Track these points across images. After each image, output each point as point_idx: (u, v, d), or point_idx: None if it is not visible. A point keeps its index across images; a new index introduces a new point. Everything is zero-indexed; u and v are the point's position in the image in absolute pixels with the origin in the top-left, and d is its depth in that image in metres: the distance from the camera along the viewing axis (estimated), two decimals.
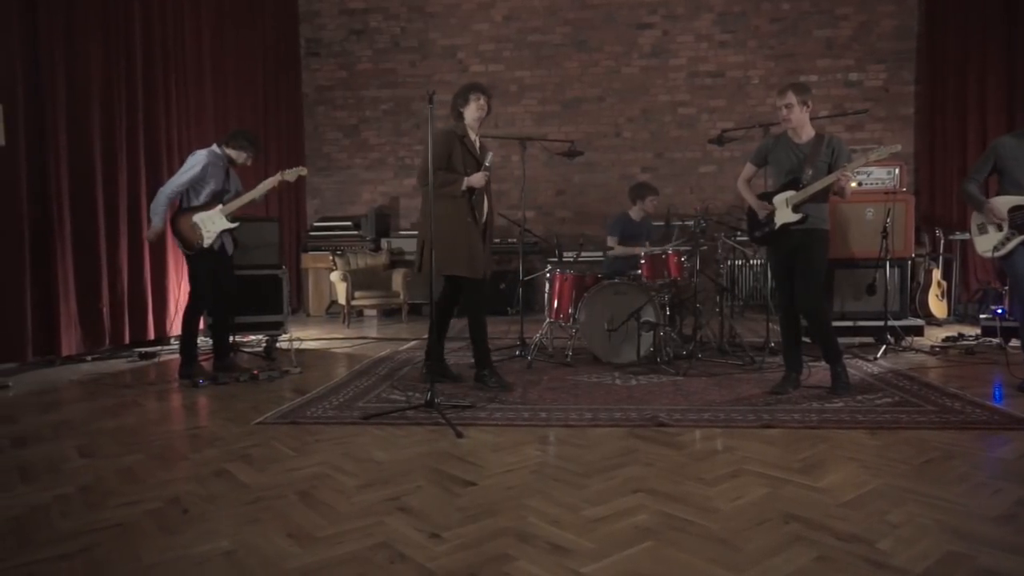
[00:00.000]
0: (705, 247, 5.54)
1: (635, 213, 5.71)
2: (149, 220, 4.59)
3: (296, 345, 5.76)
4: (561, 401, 3.83)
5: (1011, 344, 5.08)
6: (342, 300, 7.32)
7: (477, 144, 4.16)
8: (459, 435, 3.17)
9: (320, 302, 8.28)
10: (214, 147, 4.59)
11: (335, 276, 7.40)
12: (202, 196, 4.50)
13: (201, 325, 5.97)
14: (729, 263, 7.60)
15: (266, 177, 7.68)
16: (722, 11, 8.43)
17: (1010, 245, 3.82)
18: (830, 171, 3.77)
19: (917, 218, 8.01)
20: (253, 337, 6.03)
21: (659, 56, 8.50)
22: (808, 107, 3.85)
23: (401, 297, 7.54)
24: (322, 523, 2.22)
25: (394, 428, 3.34)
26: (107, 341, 5.27)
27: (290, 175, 4.80)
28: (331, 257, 7.63)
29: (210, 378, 4.40)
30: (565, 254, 7.64)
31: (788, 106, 3.83)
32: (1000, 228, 3.85)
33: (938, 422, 3.30)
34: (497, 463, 2.80)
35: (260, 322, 5.69)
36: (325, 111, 8.88)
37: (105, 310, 5.23)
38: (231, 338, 5.02)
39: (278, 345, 5.77)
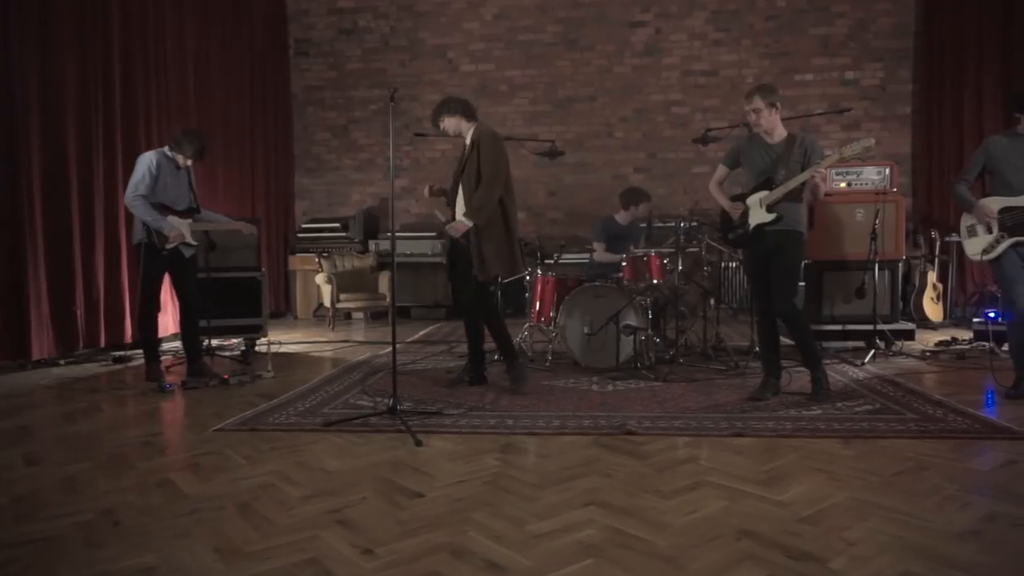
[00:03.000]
0: (696, 249, 5.45)
1: (622, 217, 5.59)
2: (152, 229, 4.35)
3: (275, 349, 5.68)
4: (532, 407, 3.72)
5: (1003, 348, 4.94)
6: (327, 303, 7.24)
7: (464, 146, 4.16)
8: (418, 443, 3.07)
9: (308, 305, 8.21)
10: (164, 149, 4.48)
11: (320, 278, 7.33)
12: (167, 199, 4.42)
13: (175, 328, 5.97)
14: (723, 265, 7.53)
15: (253, 184, 7.76)
16: (716, 9, 8.31)
17: (1000, 248, 3.69)
18: (804, 171, 3.65)
19: (915, 220, 7.92)
20: (235, 340, 5.96)
21: (652, 55, 8.39)
22: (777, 108, 3.74)
23: (388, 299, 7.45)
24: (254, 537, 2.13)
25: (354, 436, 3.25)
26: (81, 344, 5.20)
27: (248, 228, 5.04)
28: (317, 259, 7.55)
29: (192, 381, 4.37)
30: (554, 255, 7.58)
31: (756, 111, 3.72)
32: (990, 230, 3.73)
33: (916, 431, 3.18)
34: (451, 473, 2.70)
35: (238, 325, 5.60)
36: (314, 111, 8.81)
37: (79, 312, 5.16)
38: (204, 342, 4.95)
39: (257, 349, 5.70)
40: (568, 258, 7.21)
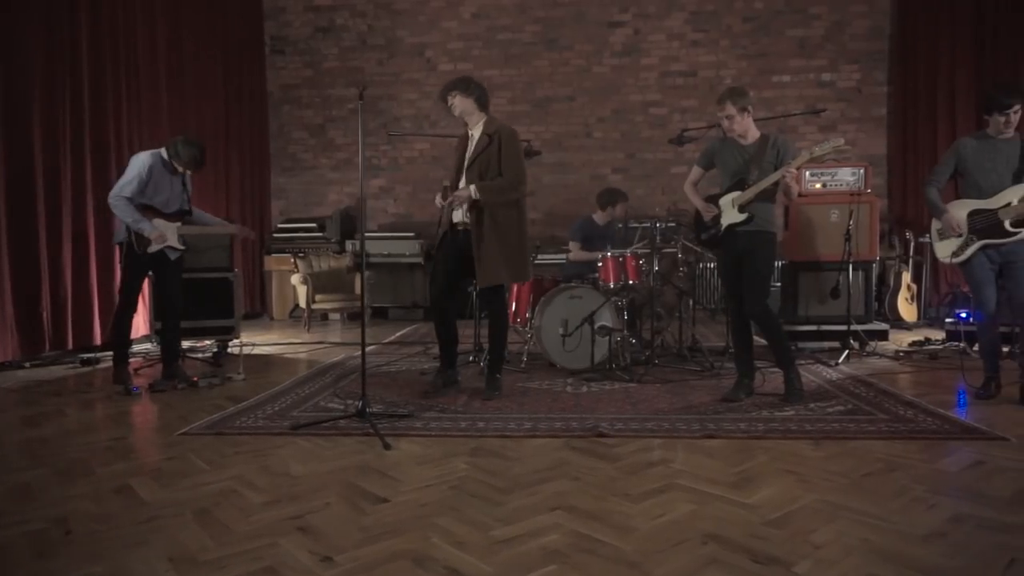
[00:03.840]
0: (673, 249, 5.44)
1: (600, 218, 5.58)
2: (133, 231, 4.26)
3: (248, 350, 5.60)
4: (505, 409, 3.69)
5: (975, 349, 4.98)
6: (303, 304, 7.16)
7: (474, 140, 3.93)
8: (387, 447, 3.03)
9: (284, 306, 8.11)
10: (161, 151, 4.39)
11: (295, 279, 7.25)
12: (158, 202, 4.34)
13: (146, 330, 5.87)
14: (700, 266, 7.53)
15: (227, 183, 7.65)
16: (694, 10, 8.32)
17: (969, 251, 3.71)
18: (776, 171, 3.65)
19: (890, 220, 7.98)
20: (208, 342, 5.86)
21: (630, 55, 8.38)
22: (749, 112, 3.74)
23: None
24: (210, 545, 2.08)
25: (322, 439, 3.19)
26: (47, 346, 5.09)
27: (245, 232, 5.09)
28: (292, 260, 7.47)
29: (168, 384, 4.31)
30: (538, 256, 7.55)
31: (729, 117, 3.72)
32: (960, 233, 3.74)
33: (887, 432, 3.18)
34: (418, 477, 2.66)
35: (210, 327, 5.51)
36: (290, 110, 8.71)
37: (45, 314, 5.05)
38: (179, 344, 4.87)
39: (229, 351, 5.61)
40: (546, 258, 7.20)
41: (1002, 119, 3.55)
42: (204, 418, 3.56)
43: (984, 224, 3.62)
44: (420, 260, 7.88)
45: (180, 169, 4.39)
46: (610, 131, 8.43)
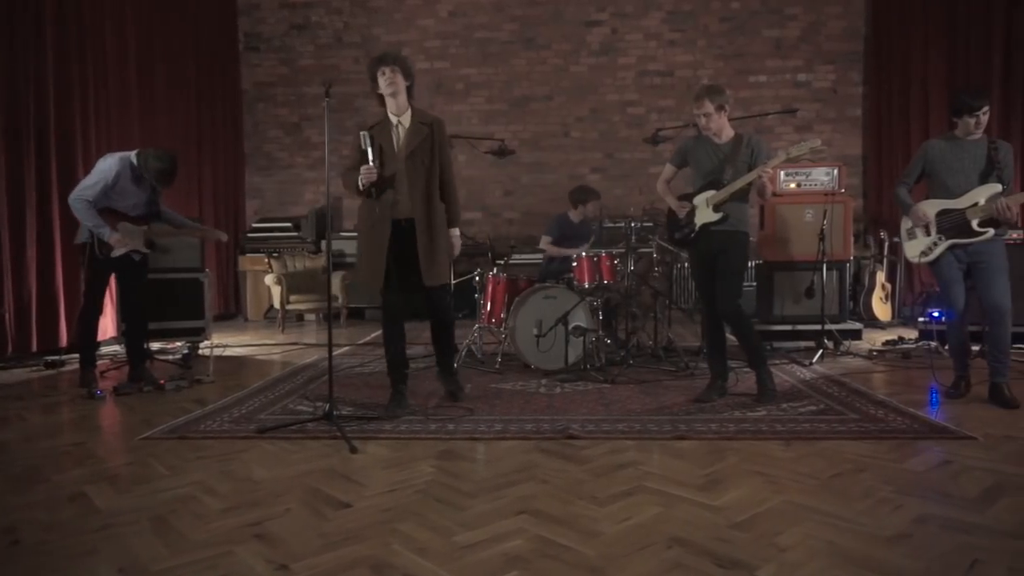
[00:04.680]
0: (650, 249, 5.43)
1: (574, 216, 5.55)
2: (94, 234, 4.16)
3: (219, 352, 5.51)
4: (476, 411, 3.64)
5: (947, 348, 5.00)
6: (277, 304, 7.07)
7: (404, 127, 3.57)
8: (353, 450, 2.97)
9: (259, 306, 8.01)
10: (131, 156, 4.26)
11: (270, 279, 7.15)
12: (123, 207, 4.24)
13: (115, 332, 5.76)
14: (677, 266, 7.53)
15: (200, 183, 7.53)
16: (671, 9, 8.33)
17: (937, 251, 3.72)
18: (751, 171, 3.64)
19: (866, 220, 8.03)
20: (179, 343, 5.76)
21: (608, 54, 8.37)
22: (725, 110, 3.72)
23: (340, 301, 7.31)
24: (163, 554, 2.02)
25: (288, 443, 3.13)
26: (10, 349, 4.97)
27: (215, 235, 4.88)
28: (267, 259, 7.37)
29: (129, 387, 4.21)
30: (513, 256, 7.52)
31: (706, 115, 3.70)
32: (928, 233, 3.76)
33: (857, 432, 3.18)
34: (383, 481, 2.61)
35: (180, 328, 5.41)
36: (265, 108, 8.61)
37: (8, 316, 4.93)
38: (146, 346, 4.78)
39: (200, 352, 5.52)
40: (523, 258, 7.17)
41: (972, 121, 3.57)
42: (168, 422, 3.48)
43: (952, 224, 3.63)
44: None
45: (148, 178, 4.28)
46: (588, 131, 8.42)
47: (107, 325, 5.72)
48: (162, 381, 4.31)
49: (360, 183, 3.49)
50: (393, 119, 3.60)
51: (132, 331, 4.45)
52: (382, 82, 3.52)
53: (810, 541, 2.05)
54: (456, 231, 3.78)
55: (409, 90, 3.61)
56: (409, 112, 3.62)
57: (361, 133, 3.51)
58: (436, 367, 4.00)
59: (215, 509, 2.36)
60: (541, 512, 2.29)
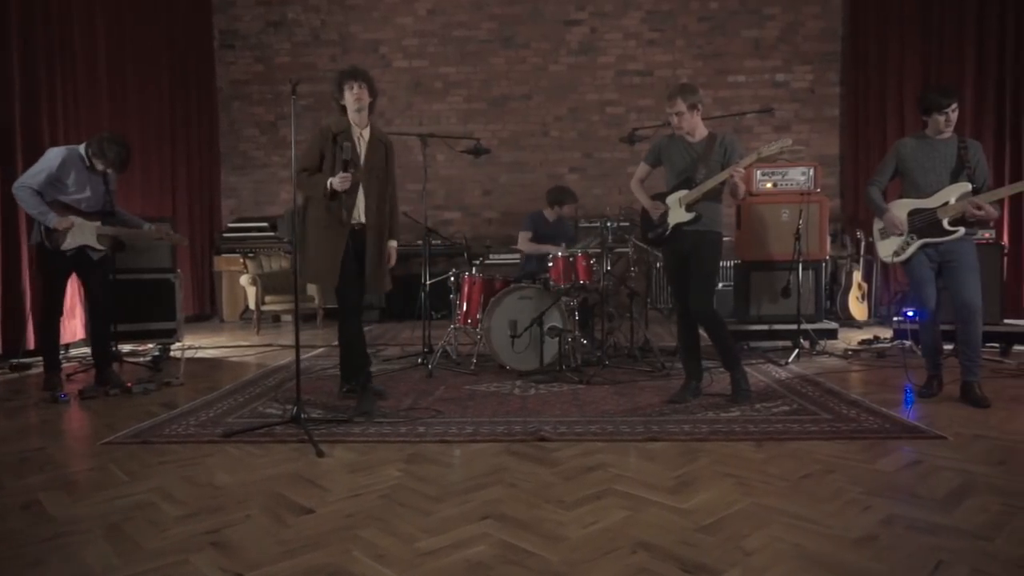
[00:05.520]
0: (627, 249, 5.40)
1: (550, 215, 5.53)
2: (41, 225, 4.09)
3: (191, 354, 5.43)
4: (449, 413, 3.60)
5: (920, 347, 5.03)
6: (252, 305, 6.97)
7: (364, 140, 3.76)
8: (320, 454, 2.92)
9: (235, 307, 7.91)
10: (80, 148, 4.19)
11: (244, 279, 7.06)
12: (73, 200, 4.15)
13: (83, 334, 5.65)
14: (657, 266, 7.52)
15: (174, 182, 7.42)
16: (651, 9, 8.32)
17: (909, 250, 3.72)
18: (724, 170, 3.62)
19: (843, 220, 8.08)
20: (151, 345, 5.67)
21: (587, 53, 8.36)
22: (699, 109, 3.71)
23: (316, 302, 7.23)
24: (115, 564, 1.96)
25: (254, 447, 3.07)
26: None
27: (176, 239, 4.80)
28: (242, 260, 7.28)
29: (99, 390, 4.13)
30: (491, 256, 7.48)
31: (679, 114, 3.68)
32: (901, 233, 3.76)
33: (829, 432, 3.17)
34: (348, 486, 2.56)
35: (150, 330, 5.32)
36: (241, 106, 8.51)
37: None
38: (113, 348, 4.69)
39: (171, 354, 5.43)
40: (499, 258, 7.14)
41: (942, 118, 3.58)
42: (132, 426, 3.41)
43: (923, 223, 3.64)
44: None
45: (101, 168, 4.20)
46: (567, 130, 8.40)
47: (76, 327, 5.62)
48: (129, 384, 4.22)
49: (333, 186, 3.59)
50: (356, 130, 3.73)
51: (96, 333, 4.36)
52: (350, 96, 3.65)
53: (777, 544, 2.03)
54: (394, 243, 3.96)
55: (371, 105, 3.75)
56: (369, 128, 3.79)
57: (347, 145, 3.61)
58: (352, 381, 3.93)
59: (172, 516, 2.30)
60: (506, 516, 2.26)
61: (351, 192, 3.67)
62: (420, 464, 2.81)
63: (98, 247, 4.24)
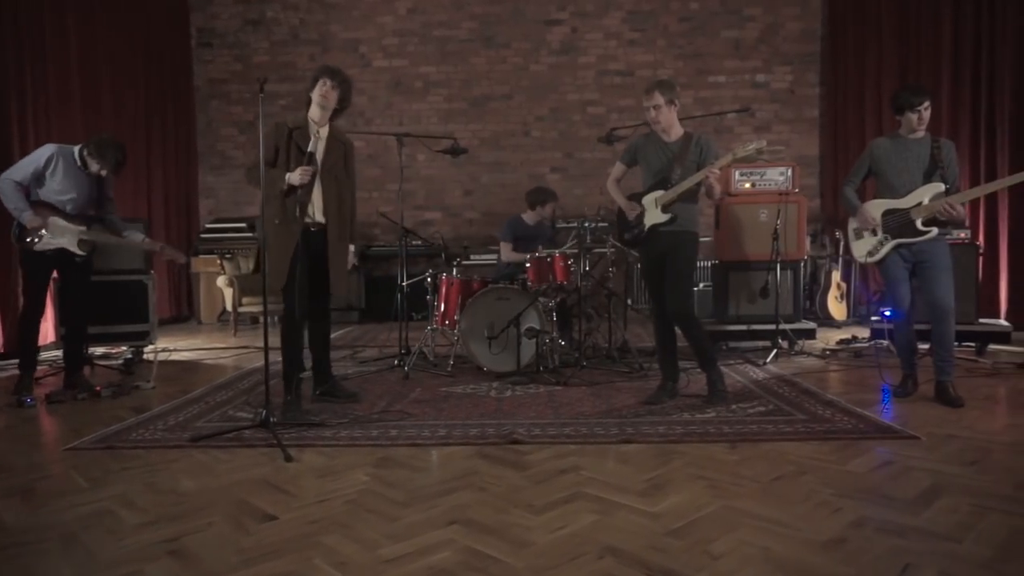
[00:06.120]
0: (610, 250, 5.38)
1: (530, 217, 5.50)
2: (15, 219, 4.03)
3: (165, 356, 5.35)
4: (422, 416, 3.56)
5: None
6: (229, 306, 6.89)
7: (321, 136, 3.64)
8: (288, 459, 2.87)
9: (212, 309, 7.82)
10: (74, 148, 4.10)
11: (221, 281, 6.97)
12: (58, 200, 4.06)
13: (53, 336, 5.55)
14: (638, 266, 7.52)
15: (149, 182, 7.31)
16: (631, 9, 8.31)
17: (883, 251, 3.72)
18: (699, 170, 3.61)
19: (823, 220, 8.10)
20: (124, 348, 5.57)
21: (568, 53, 8.33)
22: (676, 106, 3.69)
23: None
24: (67, 575, 1.90)
25: (222, 452, 3.01)
26: None
27: (175, 255, 4.53)
28: (219, 261, 7.19)
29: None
30: (471, 256, 7.45)
31: (656, 107, 3.66)
32: (875, 233, 3.76)
33: (803, 433, 3.16)
34: (315, 491, 2.51)
35: (123, 332, 5.23)
36: (219, 106, 8.41)
37: None
38: (85, 351, 4.61)
39: (145, 357, 5.35)
40: (477, 259, 7.10)
41: (914, 116, 3.58)
42: (99, 431, 3.34)
43: (897, 223, 3.64)
44: (355, 261, 7.67)
45: (96, 169, 4.12)
46: (548, 130, 8.37)
47: (47, 329, 5.51)
48: (98, 388, 4.15)
49: (291, 181, 3.50)
50: (314, 127, 3.66)
51: (71, 335, 4.28)
52: (318, 90, 3.60)
53: (745, 548, 2.00)
54: (352, 246, 3.92)
55: (336, 113, 3.71)
56: (328, 127, 3.71)
57: (313, 138, 3.54)
58: (316, 383, 3.95)
59: (131, 524, 2.24)
60: (473, 522, 2.22)
61: (307, 190, 3.55)
62: (390, 468, 2.77)
63: (78, 252, 4.15)
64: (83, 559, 2.00)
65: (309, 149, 3.52)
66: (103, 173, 4.15)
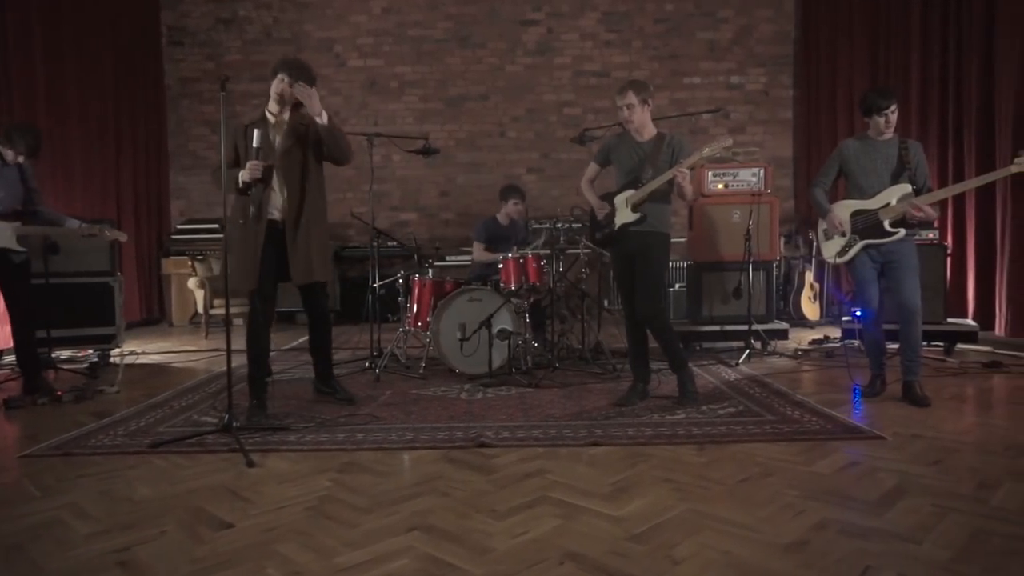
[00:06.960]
0: (584, 251, 5.36)
1: (503, 217, 5.46)
2: None
3: (132, 360, 5.25)
4: (390, 419, 3.51)
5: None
6: (200, 308, 6.79)
7: (281, 128, 3.54)
8: (250, 464, 2.81)
9: (184, 311, 7.70)
10: None
11: (192, 282, 6.87)
12: None
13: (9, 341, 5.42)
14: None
15: (118, 182, 7.18)
16: (607, 10, 8.31)
17: (852, 251, 3.74)
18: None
19: (796, 221, 8.16)
20: (91, 351, 5.46)
21: (544, 54, 8.31)
22: (649, 105, 3.68)
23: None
24: None
25: (183, 457, 2.95)
26: None
27: (116, 234, 4.37)
28: (190, 262, 7.08)
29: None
30: (447, 258, 7.40)
31: (629, 106, 3.65)
32: (844, 233, 3.77)
33: (771, 434, 3.15)
34: (274, 498, 2.46)
35: (88, 335, 5.12)
36: (190, 105, 8.28)
37: None
38: (47, 354, 4.50)
39: (111, 361, 5.25)
40: (452, 260, 7.06)
41: (881, 119, 3.60)
42: (56, 437, 3.25)
43: (865, 224, 3.65)
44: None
45: (12, 159, 4.01)
46: (524, 131, 8.35)
47: (6, 333, 5.38)
48: (60, 392, 4.05)
49: (243, 178, 3.41)
50: (271, 118, 3.58)
51: (19, 339, 4.17)
52: (275, 85, 3.54)
53: (706, 552, 1.99)
54: (325, 116, 3.57)
55: (294, 108, 3.60)
56: (288, 113, 3.59)
57: (256, 132, 3.41)
58: (314, 378, 3.97)
59: (81, 534, 2.18)
60: (434, 528, 2.18)
61: (264, 185, 3.43)
62: (353, 473, 2.72)
63: (18, 249, 4.04)
64: (27, 571, 1.94)
65: (254, 144, 3.37)
66: (20, 161, 4.05)
